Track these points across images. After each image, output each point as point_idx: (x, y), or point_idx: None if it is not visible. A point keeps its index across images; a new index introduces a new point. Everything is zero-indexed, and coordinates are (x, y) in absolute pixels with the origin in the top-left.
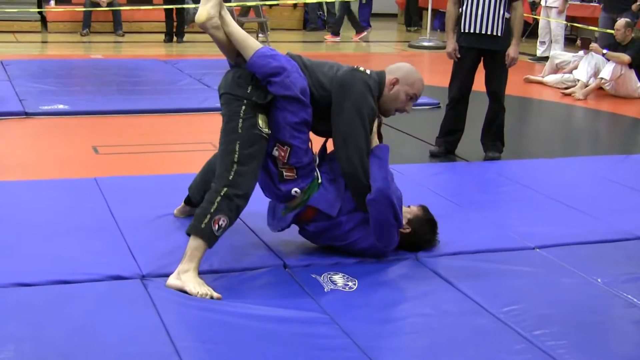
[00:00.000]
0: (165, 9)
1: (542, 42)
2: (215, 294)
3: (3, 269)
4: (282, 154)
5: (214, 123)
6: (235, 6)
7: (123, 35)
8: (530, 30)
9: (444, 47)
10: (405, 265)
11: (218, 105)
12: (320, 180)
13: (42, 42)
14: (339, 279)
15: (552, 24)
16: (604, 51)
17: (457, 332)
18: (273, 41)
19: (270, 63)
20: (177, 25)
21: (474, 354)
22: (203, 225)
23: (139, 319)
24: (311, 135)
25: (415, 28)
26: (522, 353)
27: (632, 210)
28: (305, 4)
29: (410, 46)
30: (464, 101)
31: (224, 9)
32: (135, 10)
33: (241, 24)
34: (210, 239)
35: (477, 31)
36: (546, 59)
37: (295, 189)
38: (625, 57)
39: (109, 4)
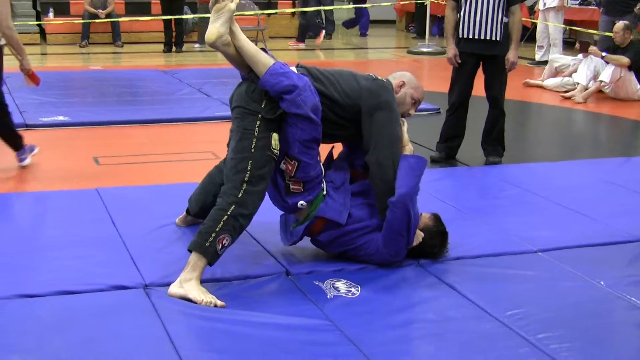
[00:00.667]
0: (164, 20)
1: (541, 46)
2: (219, 302)
3: (6, 280)
4: (290, 167)
5: (214, 132)
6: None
7: (122, 46)
8: (529, 35)
9: (443, 53)
10: (408, 270)
11: (218, 114)
12: (325, 192)
13: (42, 54)
14: (341, 285)
15: (550, 27)
16: (603, 54)
17: (461, 337)
18: (271, 49)
19: (282, 82)
20: (176, 35)
21: (478, 359)
22: (207, 244)
23: (143, 328)
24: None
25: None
26: (527, 357)
27: (634, 212)
28: (304, 12)
29: (410, 52)
30: (464, 107)
31: (234, 24)
32: (134, 21)
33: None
34: (213, 257)
35: (476, 36)
36: (545, 62)
37: (302, 202)
38: (625, 60)
39: (108, 15)
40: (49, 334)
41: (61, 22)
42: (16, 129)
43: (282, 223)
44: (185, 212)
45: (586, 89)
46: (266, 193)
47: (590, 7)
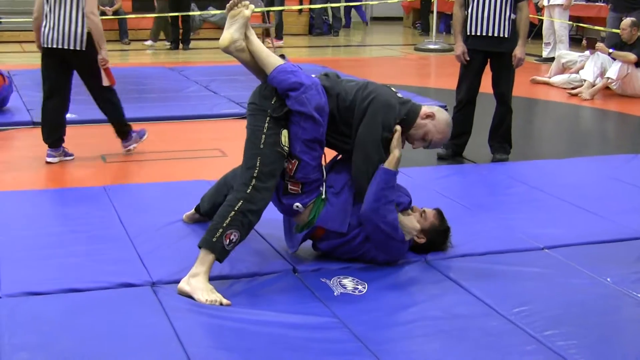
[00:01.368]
0: (171, 17)
1: (547, 43)
2: (224, 301)
3: (14, 278)
4: (290, 166)
5: (222, 129)
6: None
7: (129, 44)
8: (536, 31)
9: (450, 50)
10: (414, 268)
11: (225, 112)
12: (324, 196)
13: None
14: (348, 282)
15: (555, 24)
16: (610, 50)
17: (468, 334)
18: (279, 47)
19: (289, 79)
20: (183, 32)
21: (485, 356)
22: (214, 239)
23: (150, 326)
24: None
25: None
26: (533, 354)
27: None
28: (311, 9)
29: (417, 49)
30: (471, 103)
31: (249, 29)
32: (141, 18)
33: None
34: (221, 253)
35: (484, 33)
36: (552, 59)
37: (297, 204)
38: (632, 56)
39: (115, 13)
40: (56, 332)
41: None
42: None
43: (286, 227)
44: (194, 210)
45: (593, 86)
46: None
47: (597, 3)
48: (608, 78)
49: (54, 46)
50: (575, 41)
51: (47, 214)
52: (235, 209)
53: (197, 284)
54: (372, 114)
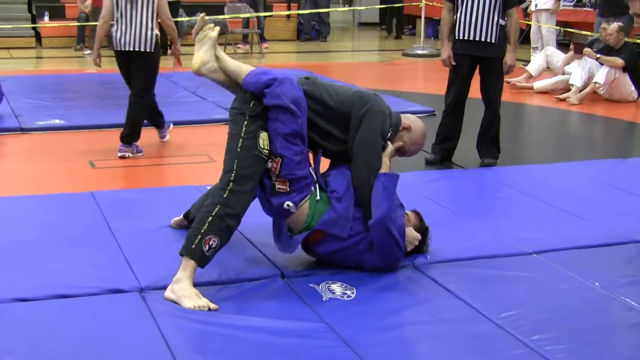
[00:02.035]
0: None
1: (535, 48)
2: (212, 305)
3: (1, 284)
4: (275, 165)
5: (210, 135)
6: (229, 18)
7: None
8: (524, 36)
9: (438, 55)
10: (403, 272)
11: (214, 117)
12: (318, 197)
13: (37, 57)
14: (337, 287)
15: (542, 29)
16: (598, 55)
17: (456, 338)
18: (267, 52)
19: (262, 78)
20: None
21: None
22: (194, 246)
23: (139, 331)
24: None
25: (395, 35)
26: (521, 358)
27: (629, 213)
28: (299, 15)
29: (405, 54)
30: (460, 108)
31: (218, 50)
32: None
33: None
34: (200, 259)
35: (471, 38)
36: None
37: (288, 203)
38: (619, 61)
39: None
40: (43, 338)
41: (56, 25)
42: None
43: (276, 228)
44: (182, 216)
45: (581, 91)
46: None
47: (585, 8)
48: (596, 83)
49: (126, 49)
50: (563, 46)
51: (35, 220)
52: (213, 214)
53: (182, 291)
54: (371, 122)
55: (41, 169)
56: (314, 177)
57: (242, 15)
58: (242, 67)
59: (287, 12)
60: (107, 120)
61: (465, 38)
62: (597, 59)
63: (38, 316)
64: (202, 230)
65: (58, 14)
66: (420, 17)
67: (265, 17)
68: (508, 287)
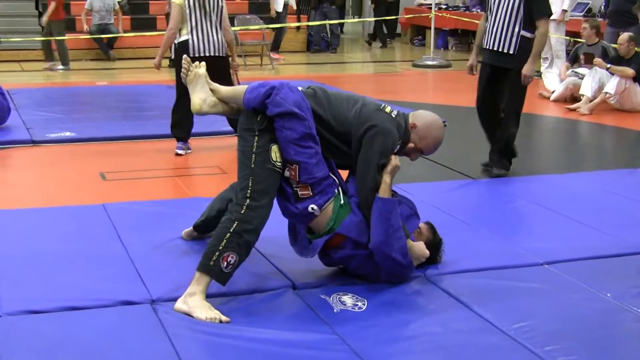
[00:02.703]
0: None
1: (545, 58)
2: (223, 318)
3: (13, 296)
4: (293, 173)
5: (221, 147)
6: (239, 30)
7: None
8: None
9: (447, 66)
10: (414, 284)
11: (224, 129)
12: (342, 201)
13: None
14: (348, 299)
15: (551, 39)
16: (608, 65)
17: (467, 350)
18: (277, 63)
19: (260, 92)
20: None
21: None
22: (212, 263)
23: (150, 343)
24: None
25: (381, 45)
26: None
27: None
28: (309, 27)
29: (414, 65)
30: (483, 114)
31: (210, 83)
32: (140, 36)
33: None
34: (219, 276)
35: (490, 47)
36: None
37: (312, 206)
38: (630, 71)
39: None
40: (55, 351)
41: (67, 38)
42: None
43: (291, 231)
44: (192, 227)
45: (591, 101)
46: (274, 206)
47: (594, 18)
48: (606, 93)
49: (203, 54)
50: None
51: (47, 232)
52: (231, 230)
53: (195, 302)
54: (368, 143)
55: (52, 181)
56: (336, 179)
57: (251, 28)
58: (237, 90)
59: (297, 24)
60: (118, 133)
61: (486, 47)
62: (607, 68)
63: (49, 328)
64: (220, 247)
65: (68, 26)
66: (430, 28)
67: (274, 28)
68: (519, 298)
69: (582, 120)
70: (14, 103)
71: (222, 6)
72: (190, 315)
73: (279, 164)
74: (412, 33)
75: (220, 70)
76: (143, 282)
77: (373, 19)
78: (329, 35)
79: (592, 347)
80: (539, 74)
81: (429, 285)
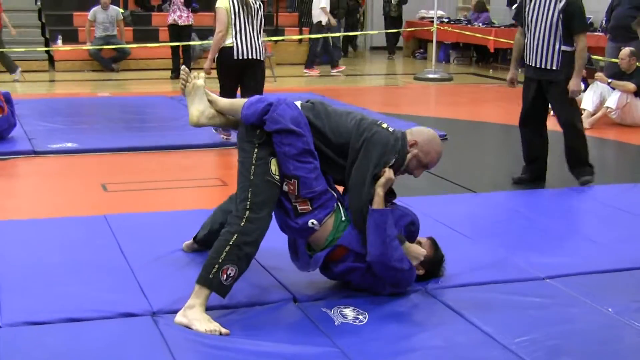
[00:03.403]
0: (172, 46)
1: None
2: (223, 330)
3: (14, 307)
4: (292, 187)
5: (222, 159)
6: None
7: (118, 71)
8: None
9: (449, 79)
10: (415, 297)
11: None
12: (344, 218)
13: (50, 80)
14: (349, 312)
15: None
16: (609, 80)
17: None
18: (279, 76)
19: (258, 107)
20: (184, 61)
21: None
22: (211, 276)
23: (151, 355)
24: None
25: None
26: None
27: None
28: (311, 39)
29: (416, 78)
30: (527, 130)
31: (209, 95)
32: (142, 47)
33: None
34: (219, 289)
35: (533, 64)
36: None
37: (312, 221)
38: (631, 86)
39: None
40: None
41: (70, 49)
42: None
43: (291, 246)
44: (192, 239)
45: (593, 115)
46: (273, 220)
47: (595, 33)
48: (607, 107)
49: (246, 57)
50: None
51: (48, 243)
52: (230, 243)
53: (194, 315)
54: (365, 153)
55: (54, 192)
56: (334, 194)
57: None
58: (235, 103)
59: (299, 37)
60: (120, 144)
61: (529, 64)
62: (608, 83)
63: (50, 339)
64: (220, 260)
65: (71, 37)
66: (431, 41)
67: (276, 41)
68: (521, 312)
69: None
70: (16, 113)
71: (261, 13)
72: (190, 328)
73: (278, 177)
74: (413, 46)
75: (255, 72)
76: (144, 293)
77: (375, 32)
78: (332, 48)
79: None
80: None
81: (430, 299)
